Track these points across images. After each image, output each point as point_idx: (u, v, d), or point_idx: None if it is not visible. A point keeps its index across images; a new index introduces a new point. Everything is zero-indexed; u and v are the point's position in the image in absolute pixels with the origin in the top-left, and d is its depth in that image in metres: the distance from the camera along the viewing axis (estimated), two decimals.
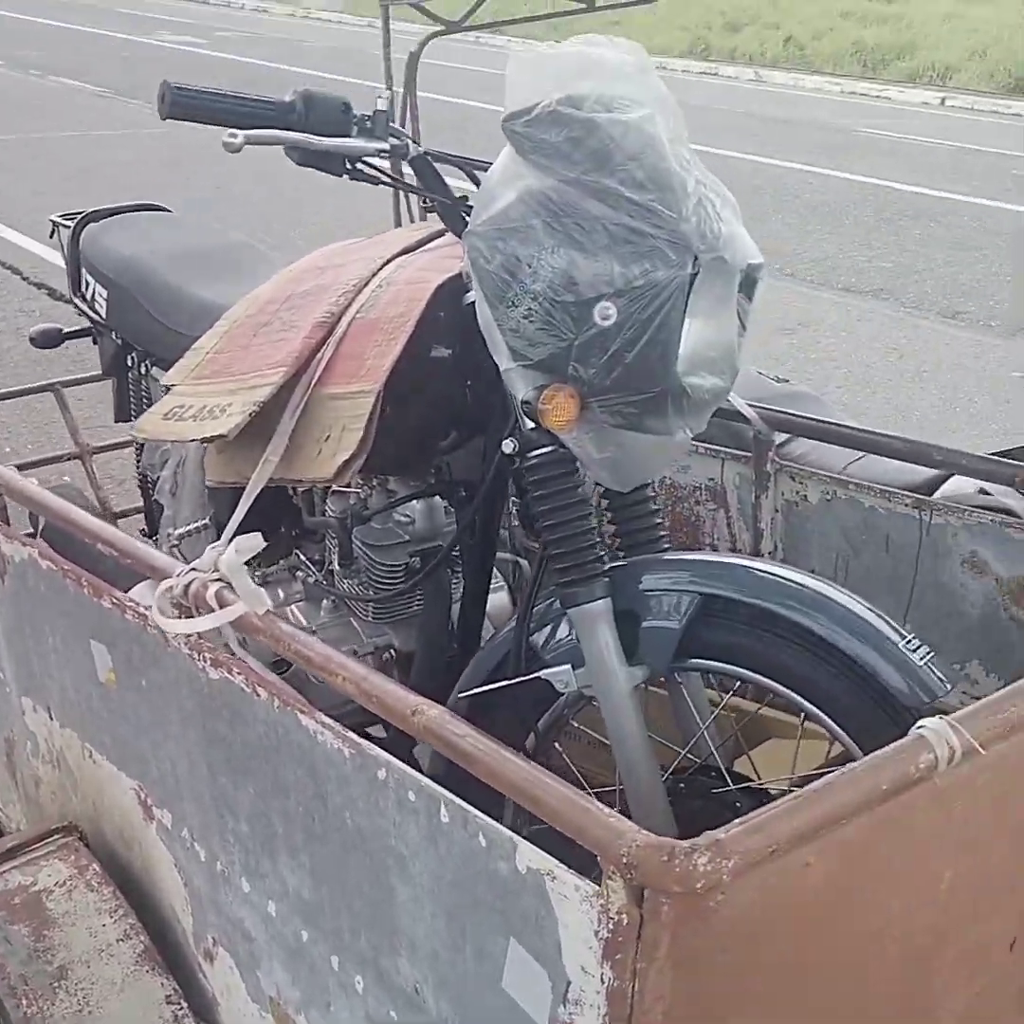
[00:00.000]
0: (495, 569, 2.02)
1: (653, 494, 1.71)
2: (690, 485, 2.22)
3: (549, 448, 1.53)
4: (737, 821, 1.03)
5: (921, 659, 1.46)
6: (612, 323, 1.43)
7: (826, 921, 1.14)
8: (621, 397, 1.46)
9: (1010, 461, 1.85)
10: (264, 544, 1.45)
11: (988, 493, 2.00)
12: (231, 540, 1.46)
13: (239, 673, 1.44)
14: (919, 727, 1.14)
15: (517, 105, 1.45)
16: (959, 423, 4.94)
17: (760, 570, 1.58)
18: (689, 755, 1.65)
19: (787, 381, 2.67)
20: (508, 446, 1.55)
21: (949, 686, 1.45)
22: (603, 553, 1.57)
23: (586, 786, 1.69)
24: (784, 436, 2.15)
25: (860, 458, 2.17)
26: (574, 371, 1.46)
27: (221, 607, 1.42)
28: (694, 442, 2.17)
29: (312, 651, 1.35)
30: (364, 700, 1.27)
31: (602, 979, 1.06)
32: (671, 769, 1.62)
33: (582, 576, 1.54)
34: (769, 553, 2.12)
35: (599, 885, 1.05)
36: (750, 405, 2.09)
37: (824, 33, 17.73)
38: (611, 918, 1.04)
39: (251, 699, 1.42)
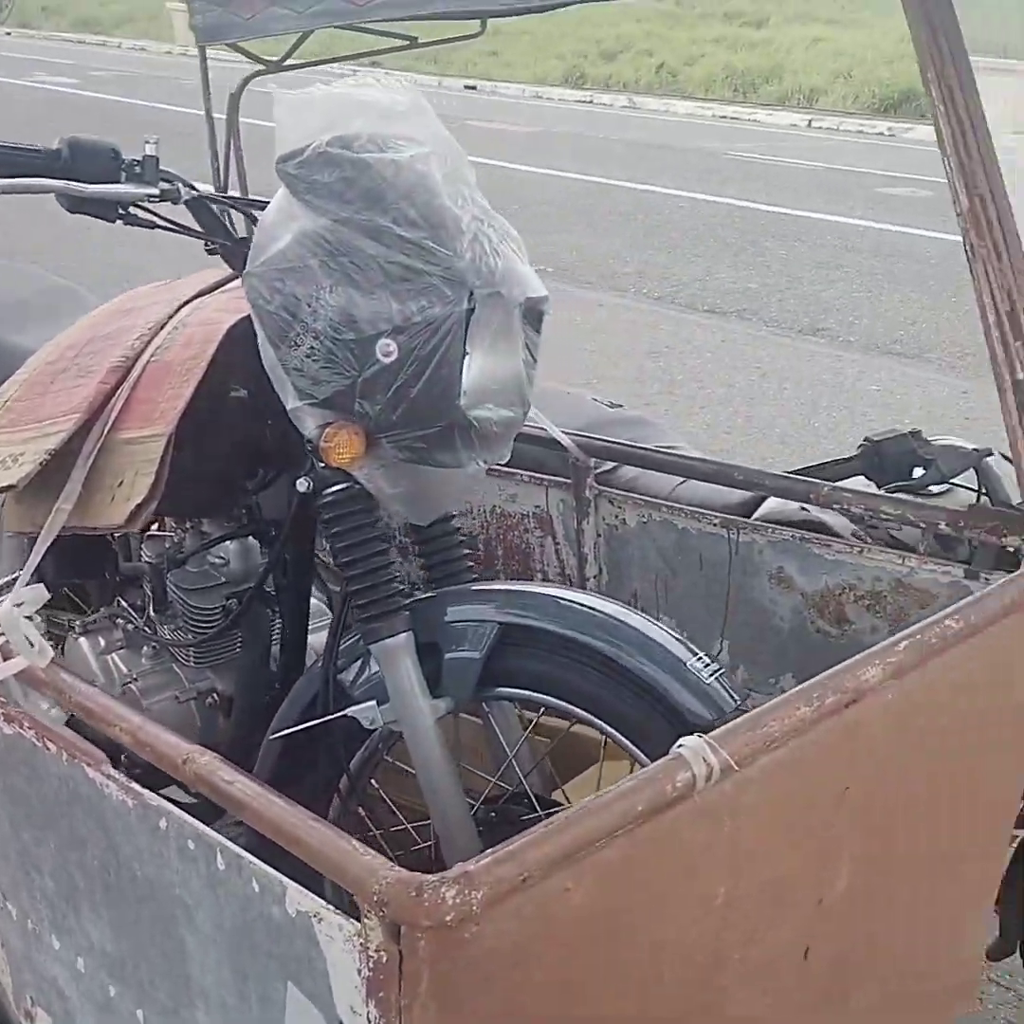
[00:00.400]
0: (326, 605, 2.02)
1: (458, 526, 1.73)
2: (518, 514, 2.24)
3: (343, 485, 1.54)
4: (488, 851, 1.04)
5: (710, 677, 1.50)
6: (394, 359, 1.44)
7: (596, 944, 1.15)
8: (408, 432, 1.48)
9: (805, 479, 1.91)
10: (48, 596, 1.44)
11: (807, 510, 2.06)
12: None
13: (30, 727, 1.42)
14: (678, 746, 1.17)
15: (288, 147, 1.47)
16: (817, 437, 5.06)
17: (560, 597, 1.61)
18: (502, 784, 1.67)
19: (621, 406, 2.71)
20: (302, 485, 1.55)
21: (738, 701, 1.49)
22: (402, 587, 1.58)
23: (403, 820, 1.70)
24: (605, 463, 2.19)
25: (686, 480, 2.22)
26: (360, 408, 1.47)
27: (5, 660, 1.40)
28: (519, 470, 2.20)
29: (92, 703, 1.34)
30: (139, 750, 1.26)
31: (369, 1018, 1.07)
32: (482, 798, 1.64)
33: (382, 611, 1.55)
34: (594, 577, 2.15)
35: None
36: (566, 432, 2.12)
37: (696, 59, 18.13)
38: (370, 956, 1.04)
39: (43, 753, 1.41)
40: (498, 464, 2.20)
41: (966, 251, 1.55)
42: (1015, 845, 2.15)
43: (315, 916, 1.09)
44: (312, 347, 1.46)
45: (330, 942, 1.08)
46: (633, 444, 2.12)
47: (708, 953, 1.28)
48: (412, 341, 1.44)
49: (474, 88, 18.02)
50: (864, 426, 5.37)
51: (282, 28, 2.36)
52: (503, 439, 1.56)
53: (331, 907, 1.08)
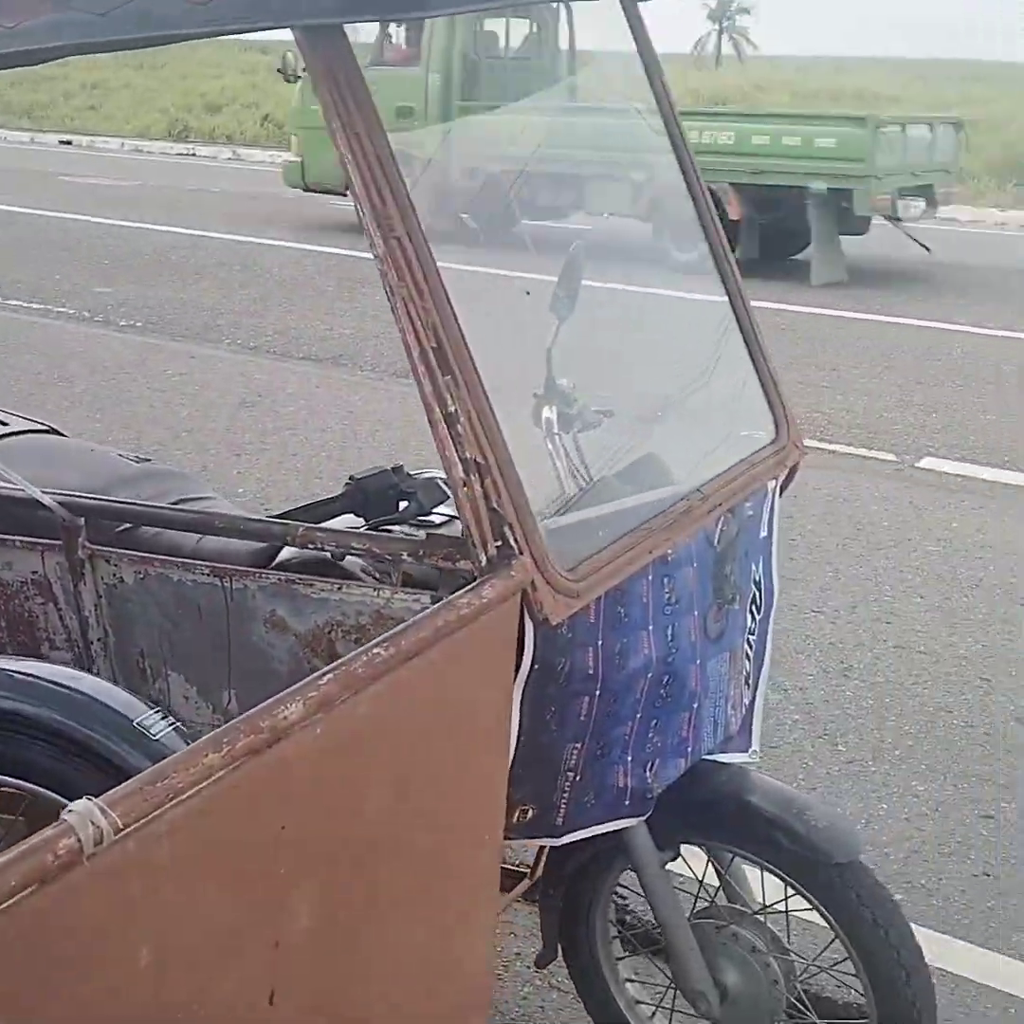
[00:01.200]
0: None
1: None
2: (17, 581, 2.13)
3: None
4: None
5: (162, 731, 1.48)
6: None
7: None
8: None
9: (283, 521, 1.92)
10: None
11: (325, 551, 2.06)
12: None
13: None
14: (68, 812, 1.13)
15: None
16: None
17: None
18: None
19: (150, 461, 2.66)
20: None
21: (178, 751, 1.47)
22: None
23: None
24: (114, 522, 2.12)
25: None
26: None
27: None
28: (11, 536, 2.10)
29: None
30: None
31: None
32: None
33: None
34: (99, 640, 2.08)
35: None
36: (47, 491, 2.03)
37: None
38: None
39: None
40: None
41: (387, 291, 1.61)
42: (544, 852, 2.25)
43: None
44: None
45: None
46: (127, 501, 2.07)
47: (143, 1018, 1.25)
48: None
49: (70, 143, 17.40)
50: None
51: None
52: None
53: None
